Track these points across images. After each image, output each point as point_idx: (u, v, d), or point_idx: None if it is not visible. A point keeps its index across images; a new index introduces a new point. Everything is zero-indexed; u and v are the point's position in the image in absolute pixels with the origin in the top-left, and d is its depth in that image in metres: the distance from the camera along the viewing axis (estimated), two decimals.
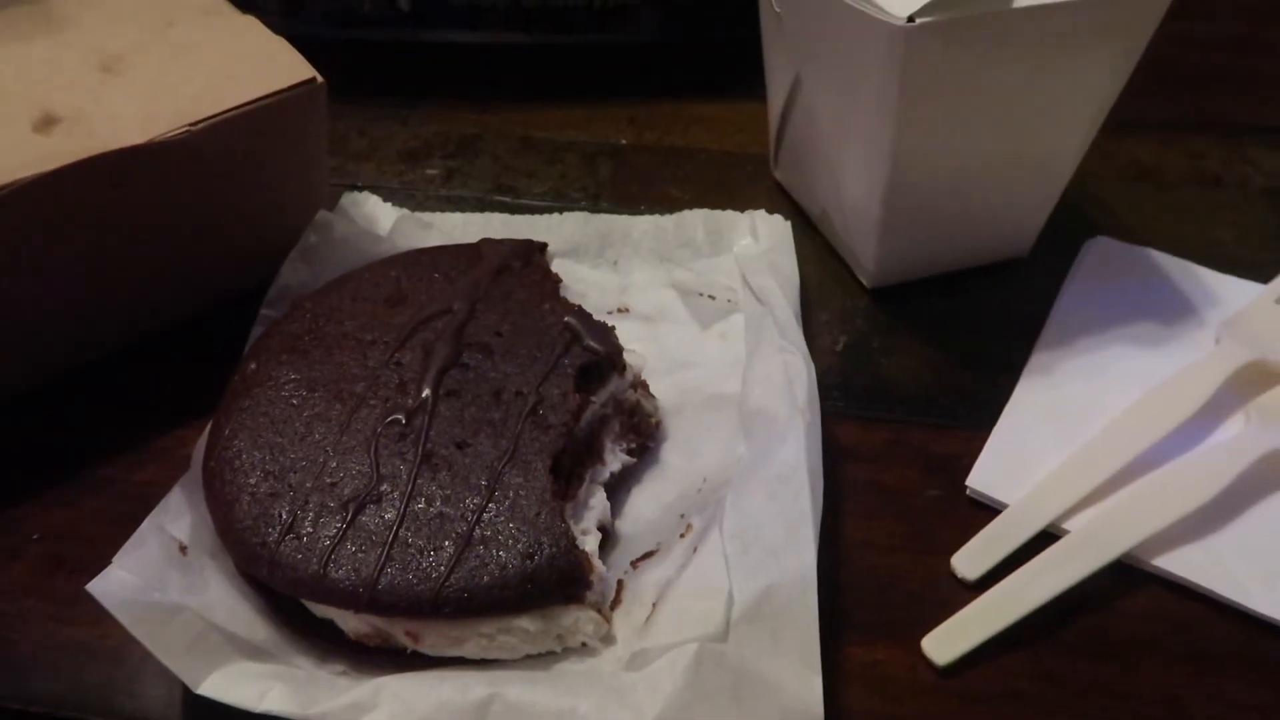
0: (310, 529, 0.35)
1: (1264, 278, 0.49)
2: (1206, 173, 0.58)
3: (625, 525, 0.41)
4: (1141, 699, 0.35)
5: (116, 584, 0.33)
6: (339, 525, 0.35)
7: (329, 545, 0.34)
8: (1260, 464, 0.40)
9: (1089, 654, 0.36)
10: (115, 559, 0.34)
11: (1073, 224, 0.53)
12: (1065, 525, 0.40)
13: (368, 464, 0.36)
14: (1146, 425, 0.42)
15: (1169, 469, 0.41)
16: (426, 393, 0.38)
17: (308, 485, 0.36)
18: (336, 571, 0.34)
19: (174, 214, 0.43)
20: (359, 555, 0.34)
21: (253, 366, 0.40)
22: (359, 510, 0.35)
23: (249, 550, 0.35)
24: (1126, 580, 0.38)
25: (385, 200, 0.53)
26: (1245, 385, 0.43)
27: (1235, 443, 0.41)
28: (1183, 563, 0.38)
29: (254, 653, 0.35)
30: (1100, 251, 0.51)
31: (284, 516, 0.35)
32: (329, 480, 0.36)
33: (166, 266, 0.45)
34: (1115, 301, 0.49)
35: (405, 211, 0.53)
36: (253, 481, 0.36)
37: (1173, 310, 0.48)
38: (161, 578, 0.34)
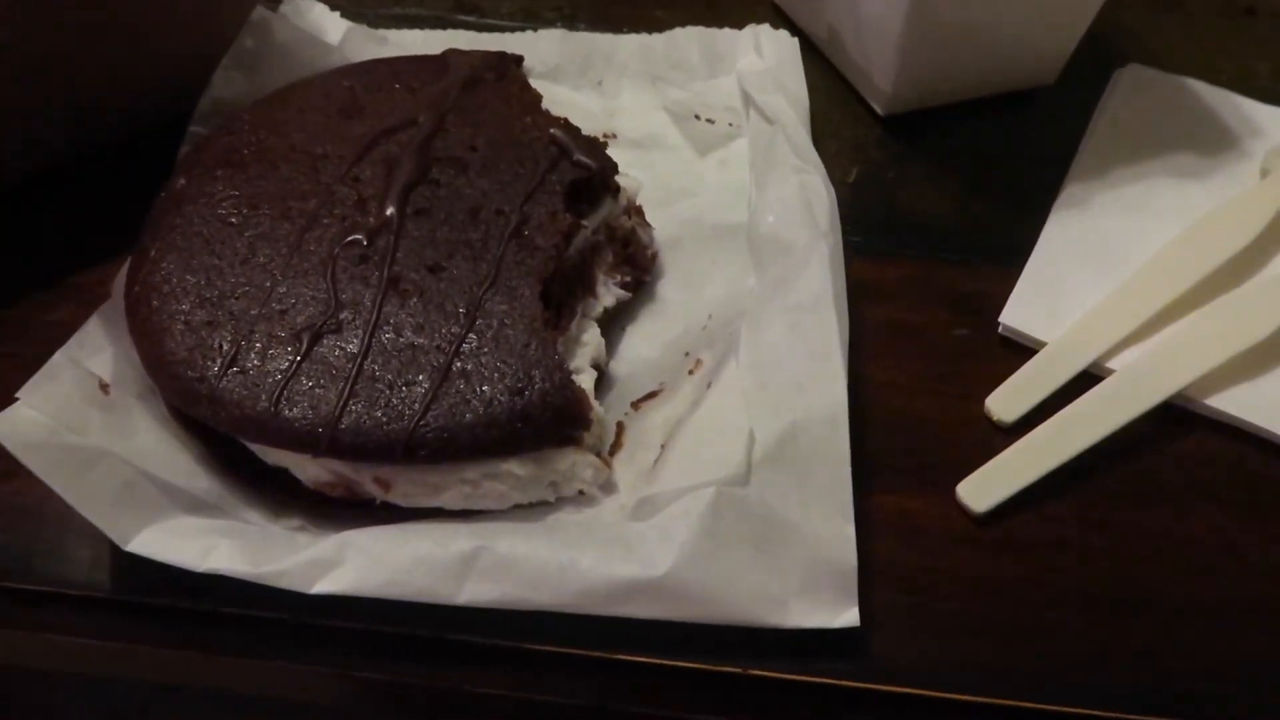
0: (257, 362, 0.29)
1: None
2: (1237, 3, 0.53)
3: (620, 366, 0.36)
4: (1195, 545, 0.32)
5: (24, 425, 0.28)
6: (292, 357, 0.29)
7: (280, 380, 0.29)
8: None
9: (1137, 500, 0.33)
10: (20, 394, 0.28)
11: (1100, 52, 0.48)
12: (1109, 365, 0.36)
13: (324, 289, 0.31)
14: (1193, 259, 0.38)
15: (1219, 305, 0.37)
16: (391, 210, 0.33)
17: (252, 313, 0.30)
18: (290, 409, 0.29)
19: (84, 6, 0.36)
20: (317, 391, 0.29)
21: (182, 182, 0.34)
22: (315, 340, 0.30)
23: (185, 386, 0.29)
24: (1174, 422, 0.35)
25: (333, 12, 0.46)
26: None
27: None
28: (1236, 403, 0.35)
29: (195, 506, 0.30)
30: (1133, 80, 0.47)
31: (225, 348, 0.30)
32: (278, 307, 0.30)
33: (79, 70, 0.38)
34: (1151, 133, 0.44)
35: (358, 24, 0.46)
36: (185, 309, 0.30)
37: (1215, 142, 0.44)
38: (79, 418, 0.29)
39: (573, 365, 0.33)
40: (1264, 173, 0.42)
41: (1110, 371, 0.36)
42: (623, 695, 0.29)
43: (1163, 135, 0.44)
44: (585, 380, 0.32)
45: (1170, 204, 0.41)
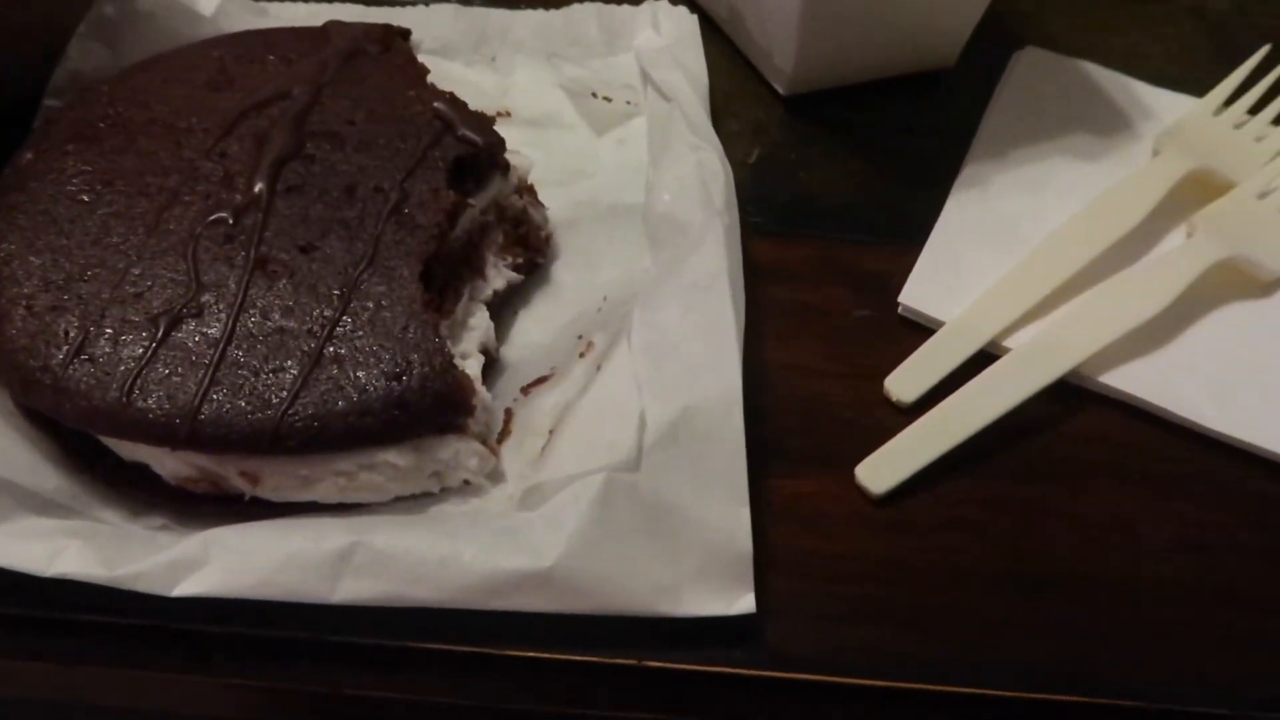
0: (108, 349, 0.27)
1: (1195, 93, 0.46)
2: None
3: (512, 351, 0.34)
4: (1091, 523, 0.32)
5: None
6: (146, 344, 0.27)
7: (133, 368, 0.27)
8: (1208, 276, 0.37)
9: (1034, 478, 0.33)
10: None
11: (997, 36, 0.48)
12: (1005, 343, 0.36)
13: (184, 270, 0.29)
14: (1088, 238, 0.38)
15: (1113, 283, 0.37)
16: (259, 187, 0.31)
17: (104, 296, 0.28)
18: (144, 400, 0.27)
19: None
20: (174, 379, 0.27)
21: (29, 157, 0.31)
22: (173, 326, 0.28)
23: (26, 375, 0.27)
24: (1071, 400, 0.35)
25: None
26: (1186, 197, 0.40)
27: (1182, 254, 0.38)
28: (1131, 380, 0.35)
29: (44, 506, 0.28)
30: (1030, 62, 0.47)
31: (72, 334, 0.27)
32: (132, 290, 0.28)
33: None
34: (1048, 113, 0.44)
35: None
36: (28, 291, 0.28)
37: (1108, 122, 0.44)
38: None
39: (458, 350, 0.31)
40: (1155, 153, 0.43)
41: (1007, 350, 0.35)
42: (513, 693, 0.28)
43: (1059, 117, 0.44)
44: (471, 365, 0.31)
45: (1066, 184, 0.42)
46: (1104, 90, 0.46)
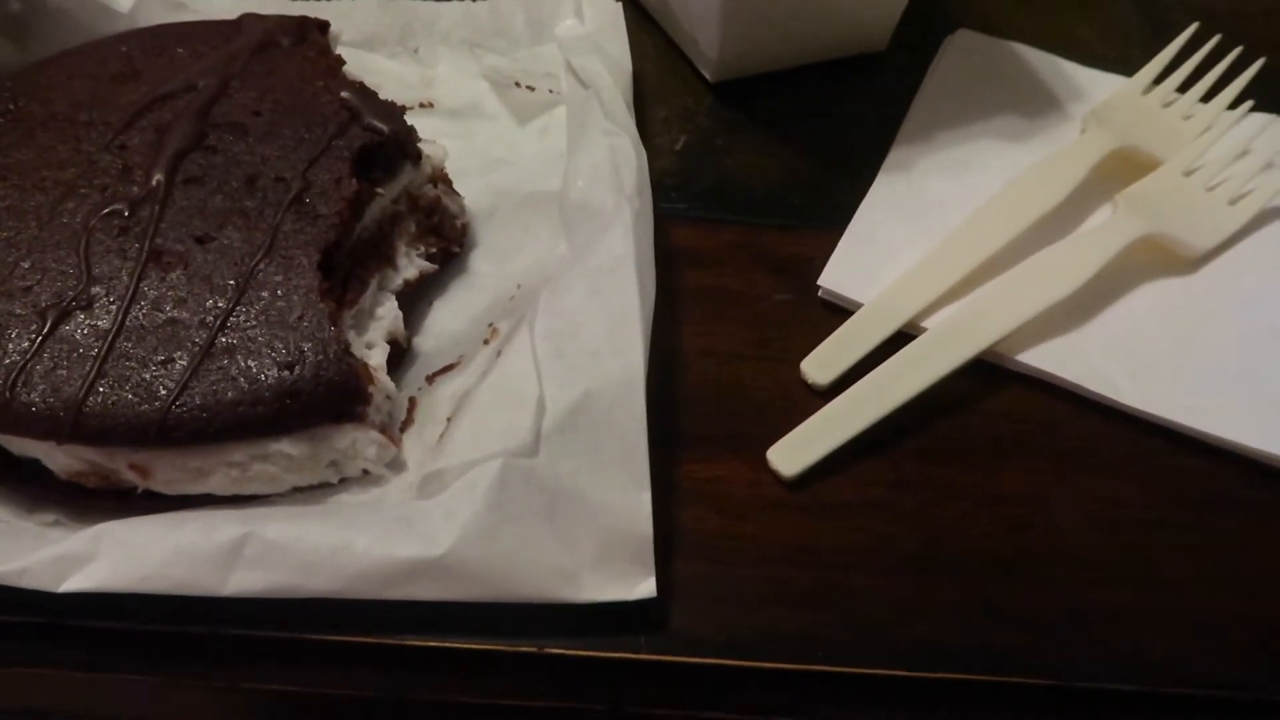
0: None
1: (1127, 73, 0.46)
2: None
3: (427, 341, 0.34)
4: (1005, 502, 0.32)
5: None
6: (33, 337, 0.27)
7: (18, 361, 0.27)
8: (1130, 253, 0.37)
9: (948, 458, 0.33)
10: None
11: (930, 18, 0.48)
12: (924, 324, 0.36)
13: (75, 263, 0.28)
14: (1010, 216, 0.38)
15: (1033, 261, 0.37)
16: (158, 178, 0.30)
17: None
18: (29, 394, 0.26)
19: None
20: (60, 372, 0.27)
21: None
22: (61, 319, 0.27)
23: None
24: (989, 379, 0.35)
25: None
26: (1110, 176, 0.40)
27: (1102, 231, 0.38)
28: (1047, 358, 0.35)
29: None
30: (962, 45, 0.47)
31: None
32: (20, 284, 0.28)
33: None
34: (978, 96, 0.44)
35: None
36: None
37: (1038, 103, 0.44)
38: None
39: (363, 339, 0.31)
40: (1083, 131, 0.42)
41: (925, 330, 0.35)
42: (413, 683, 0.28)
43: (988, 98, 0.44)
44: (376, 355, 0.31)
45: (993, 165, 0.41)
46: (1035, 71, 0.46)
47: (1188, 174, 0.40)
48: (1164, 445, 0.33)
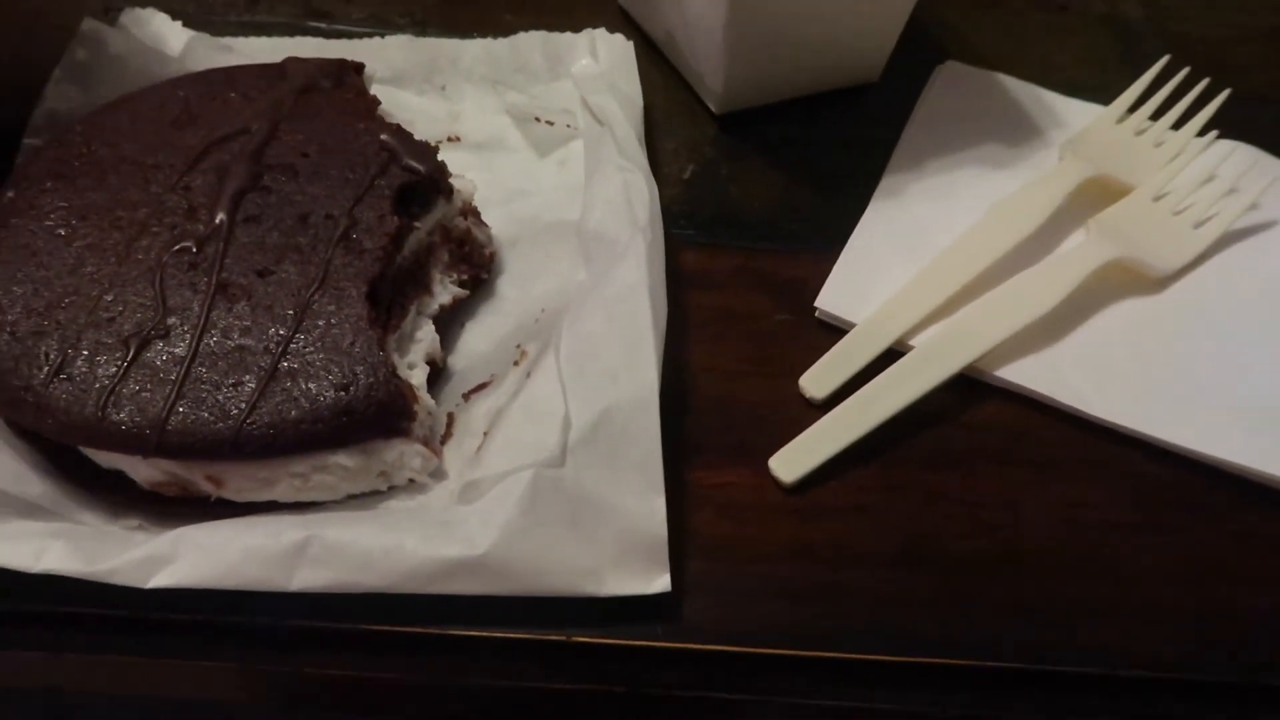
0: (85, 368, 0.30)
1: (1105, 100, 0.49)
2: (1052, 0, 0.57)
3: (459, 361, 0.38)
4: (983, 505, 0.35)
5: None
6: (119, 363, 0.31)
7: (108, 385, 0.30)
8: (1102, 275, 0.40)
9: (933, 465, 0.36)
10: None
11: (922, 49, 0.51)
12: (911, 342, 0.39)
13: (151, 296, 0.32)
14: (990, 242, 0.42)
15: (1011, 283, 0.40)
16: (221, 217, 0.34)
17: (80, 321, 0.31)
18: (118, 414, 0.30)
19: None
20: (144, 394, 0.30)
21: (10, 195, 0.35)
22: (143, 346, 0.31)
23: (11, 395, 0.30)
24: (970, 393, 0.38)
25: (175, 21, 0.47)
26: (1086, 202, 0.43)
27: (1075, 254, 0.41)
28: (1023, 373, 0.38)
29: (28, 510, 0.31)
30: (950, 76, 0.50)
31: (52, 356, 0.31)
32: (105, 315, 0.31)
33: None
34: (964, 125, 0.48)
35: (200, 34, 0.46)
36: (12, 319, 0.31)
37: (1020, 132, 0.48)
38: None
39: (405, 360, 0.34)
40: (1061, 159, 0.46)
41: (912, 348, 0.39)
42: (456, 669, 0.31)
43: (974, 128, 0.47)
44: (417, 375, 0.34)
45: (977, 191, 0.45)
46: (1017, 101, 0.49)
47: (1157, 199, 0.43)
48: (1128, 452, 0.37)
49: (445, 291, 0.38)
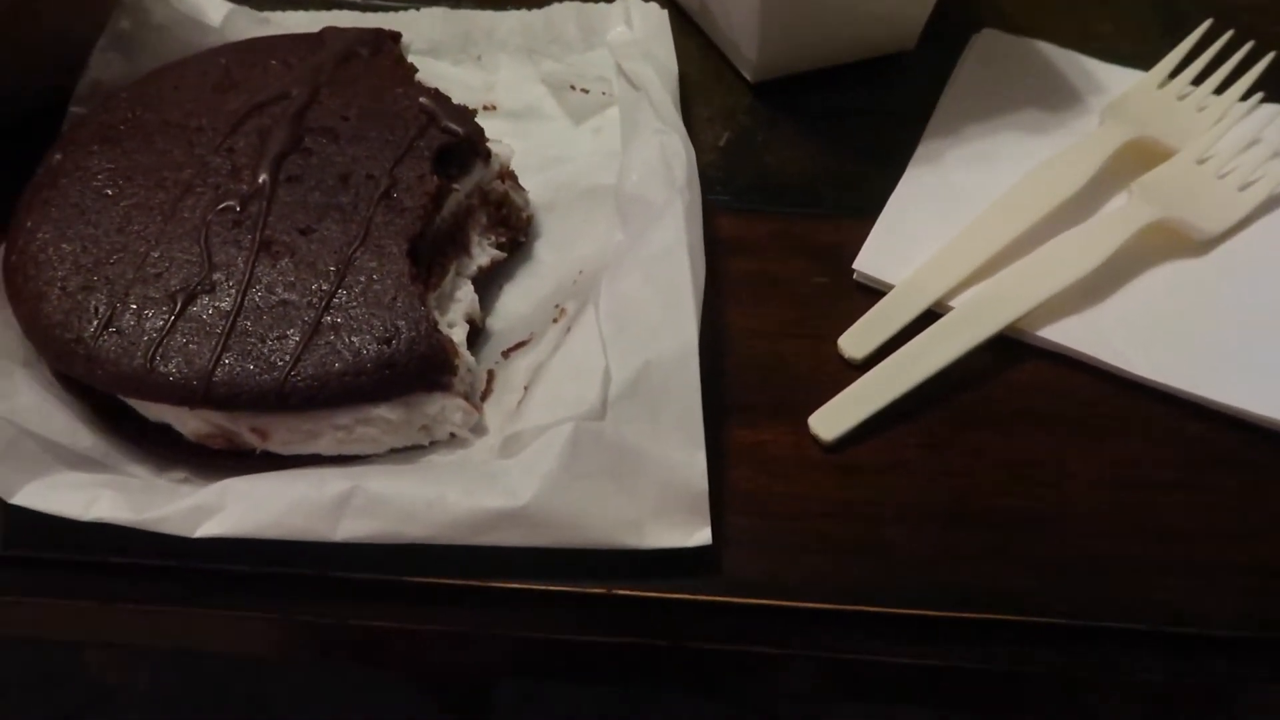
0: (133, 322, 0.31)
1: (1145, 67, 0.48)
2: None
3: (497, 322, 0.38)
4: (1024, 463, 0.35)
5: None
6: (166, 317, 0.31)
7: (155, 338, 0.31)
8: (1140, 236, 0.40)
9: (973, 423, 0.36)
10: None
11: (957, 17, 0.51)
12: (951, 303, 0.39)
13: (197, 253, 0.32)
14: (1031, 203, 0.41)
15: (1052, 244, 0.40)
16: (264, 177, 0.34)
17: (128, 277, 0.32)
18: (166, 365, 0.30)
19: None
20: (191, 347, 0.31)
21: (58, 157, 0.35)
22: (189, 301, 0.31)
23: (62, 347, 0.31)
24: (1011, 353, 0.38)
25: None
26: (1128, 165, 0.43)
27: (1117, 215, 0.40)
28: (1065, 333, 0.38)
29: (79, 462, 0.31)
30: (987, 43, 0.50)
31: (101, 310, 0.31)
32: (152, 271, 0.32)
33: None
34: (1003, 91, 0.47)
35: (240, 6, 0.47)
36: (61, 275, 0.32)
37: (1059, 98, 0.47)
38: None
39: (446, 319, 0.35)
40: (1101, 124, 0.45)
41: (951, 309, 0.38)
42: (498, 620, 0.32)
43: (1012, 94, 0.47)
44: (457, 332, 0.34)
45: (1016, 157, 0.44)
46: (1056, 67, 0.49)
47: (1200, 162, 0.43)
48: (1171, 411, 0.36)
49: (483, 253, 0.38)
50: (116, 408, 0.32)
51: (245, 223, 0.33)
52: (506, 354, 0.36)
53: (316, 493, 0.30)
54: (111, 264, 0.32)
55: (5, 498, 0.29)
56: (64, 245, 0.32)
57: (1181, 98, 0.46)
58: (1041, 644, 0.31)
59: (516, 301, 0.38)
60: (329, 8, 0.50)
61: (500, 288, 0.39)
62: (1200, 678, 0.31)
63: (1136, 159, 0.43)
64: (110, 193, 0.34)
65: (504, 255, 0.39)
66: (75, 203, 0.34)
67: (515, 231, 0.39)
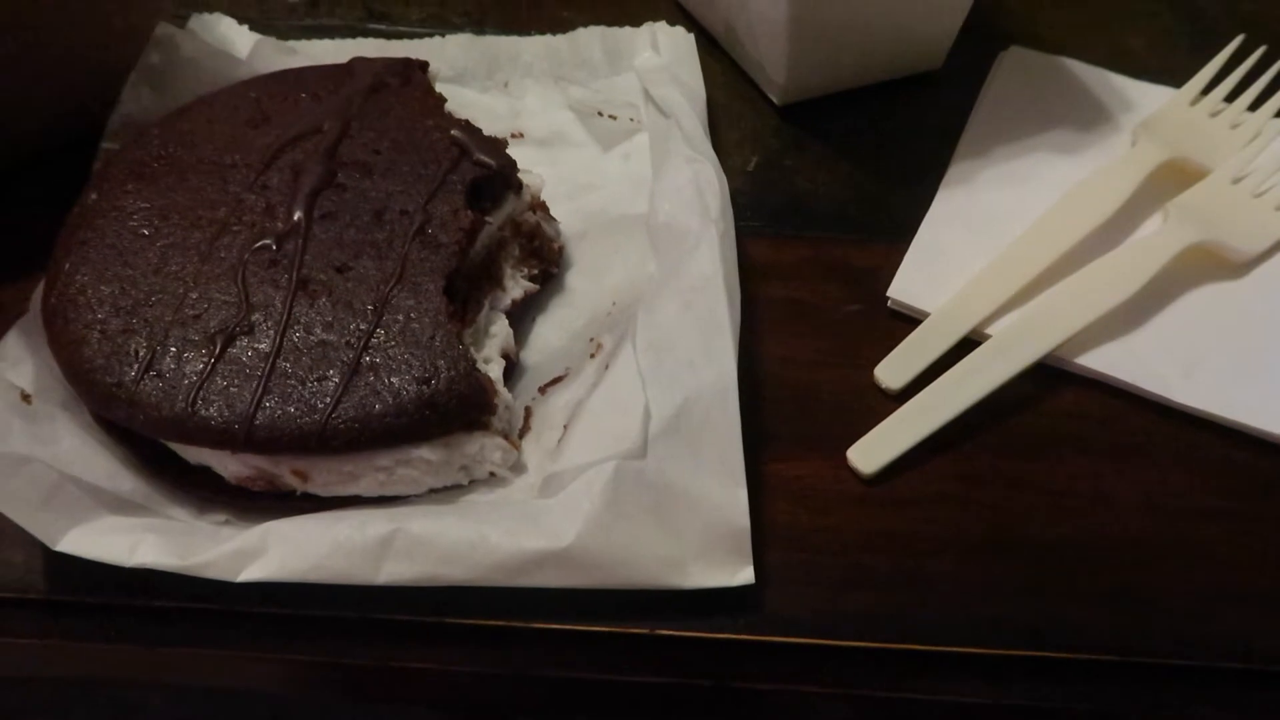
0: (173, 365, 0.31)
1: (1176, 84, 0.48)
2: None
3: (532, 355, 0.38)
4: (1066, 493, 0.35)
5: None
6: (206, 360, 0.31)
7: (196, 381, 0.30)
8: (1179, 260, 0.39)
9: (1014, 453, 0.36)
10: None
11: (984, 35, 0.51)
12: (988, 330, 0.38)
13: (235, 293, 0.32)
14: (1066, 227, 0.41)
15: (1089, 269, 0.39)
16: (298, 215, 0.34)
17: (166, 319, 0.32)
18: (207, 409, 0.30)
19: None
20: (232, 390, 0.30)
21: (93, 197, 0.35)
22: (228, 342, 0.31)
23: (103, 392, 0.31)
24: (1049, 381, 0.38)
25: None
26: (1162, 185, 0.42)
27: (1155, 239, 0.40)
28: (1104, 360, 0.37)
29: (121, 506, 0.31)
30: (1015, 61, 0.49)
31: (141, 353, 0.31)
32: (191, 313, 0.32)
33: None
34: (1032, 110, 0.47)
35: (266, 37, 0.47)
36: (101, 318, 0.32)
37: (1089, 117, 0.47)
38: (1, 427, 0.30)
39: (481, 355, 0.34)
40: (1134, 143, 0.45)
41: (989, 337, 0.38)
42: (540, 661, 0.31)
43: (1042, 113, 0.47)
44: (493, 369, 0.34)
45: (1048, 176, 0.44)
46: (1085, 85, 0.48)
47: (1235, 181, 0.42)
48: (1215, 438, 0.36)
49: (516, 286, 0.38)
50: (156, 450, 0.32)
51: (282, 261, 0.33)
52: (543, 390, 0.36)
53: (359, 535, 0.30)
54: (150, 306, 0.32)
55: (50, 545, 0.29)
56: (102, 287, 0.32)
57: (1214, 115, 0.45)
58: (1094, 681, 0.31)
59: (550, 334, 0.38)
60: (353, 35, 0.50)
61: (533, 320, 0.39)
62: (1255, 714, 0.31)
63: (1170, 178, 0.43)
64: (147, 233, 0.34)
65: (536, 287, 0.39)
66: (112, 243, 0.34)
67: (547, 263, 0.39)
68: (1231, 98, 0.45)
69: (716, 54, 0.50)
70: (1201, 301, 0.40)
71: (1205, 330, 0.38)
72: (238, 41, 0.46)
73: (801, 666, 0.31)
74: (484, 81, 0.47)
